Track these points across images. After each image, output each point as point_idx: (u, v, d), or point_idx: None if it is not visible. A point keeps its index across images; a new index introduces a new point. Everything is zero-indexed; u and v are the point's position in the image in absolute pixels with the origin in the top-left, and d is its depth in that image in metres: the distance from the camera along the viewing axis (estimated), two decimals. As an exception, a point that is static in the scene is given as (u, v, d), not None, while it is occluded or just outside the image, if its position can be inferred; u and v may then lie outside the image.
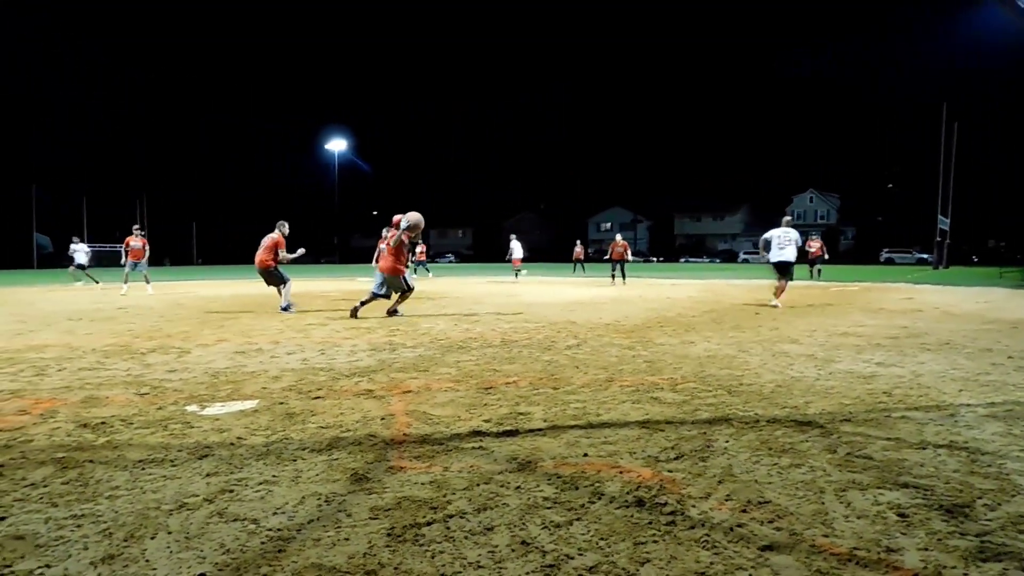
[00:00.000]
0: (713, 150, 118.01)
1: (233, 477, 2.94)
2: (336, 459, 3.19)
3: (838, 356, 6.21)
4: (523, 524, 2.42)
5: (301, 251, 11.44)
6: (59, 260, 55.81)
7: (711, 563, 2.12)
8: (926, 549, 2.22)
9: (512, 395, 4.59)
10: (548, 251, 78.98)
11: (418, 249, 24.08)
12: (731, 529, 2.38)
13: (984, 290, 17.37)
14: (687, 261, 74.20)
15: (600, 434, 3.60)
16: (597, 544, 2.26)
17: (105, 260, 43.10)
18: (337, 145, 68.13)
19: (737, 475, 2.95)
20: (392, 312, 10.15)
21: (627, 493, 2.72)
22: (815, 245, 24.08)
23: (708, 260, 75.29)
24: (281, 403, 4.37)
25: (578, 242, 35.49)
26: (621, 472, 2.99)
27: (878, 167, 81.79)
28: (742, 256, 73.21)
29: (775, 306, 11.65)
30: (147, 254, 16.97)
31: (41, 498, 2.69)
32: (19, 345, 7.11)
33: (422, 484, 2.84)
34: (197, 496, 2.71)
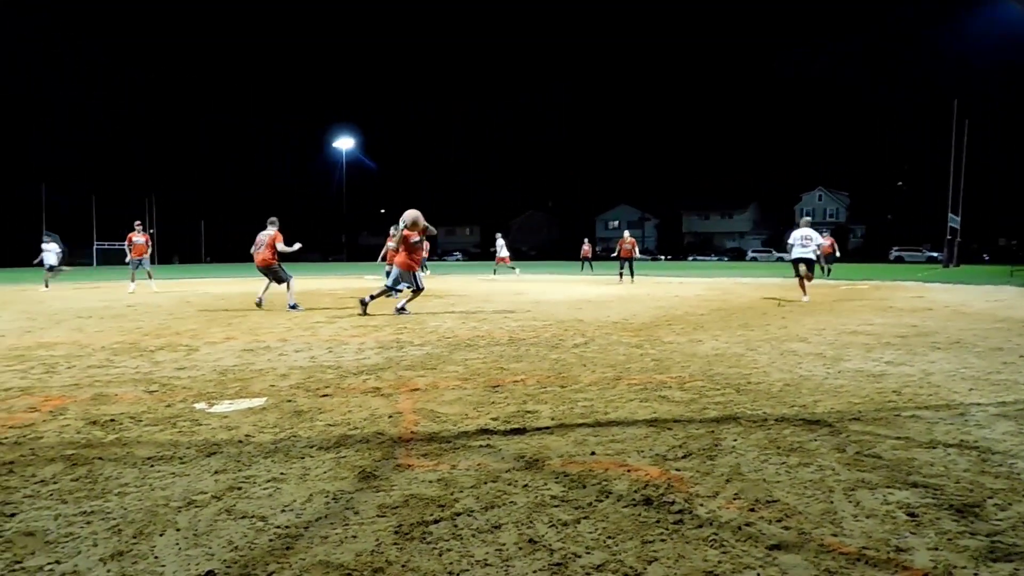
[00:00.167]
0: (722, 148, 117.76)
1: (241, 474, 2.95)
2: (344, 457, 3.19)
3: (847, 355, 6.18)
4: (530, 522, 2.42)
5: (298, 245, 11.45)
6: (69, 258, 56.20)
7: (719, 562, 2.12)
8: (936, 549, 2.21)
9: (520, 393, 4.59)
10: (556, 249, 78.97)
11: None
12: (739, 528, 2.37)
13: (995, 288, 17.25)
14: (695, 259, 73.98)
15: (608, 432, 3.60)
16: (604, 542, 2.26)
17: (113, 258, 43.34)
18: (344, 143, 68.31)
19: (745, 474, 2.93)
20: (400, 310, 10.17)
21: (635, 491, 2.72)
22: (825, 243, 24.02)
23: (716, 258, 75.04)
24: (289, 401, 4.38)
25: (586, 240, 35.42)
26: (629, 470, 2.98)
27: (888, 165, 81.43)
28: (750, 254, 73.00)
29: (804, 300, 12.43)
30: (150, 250, 17.07)
31: (51, 495, 2.70)
32: (29, 343, 7.16)
33: (429, 482, 2.84)
34: (205, 493, 2.72)
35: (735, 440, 3.45)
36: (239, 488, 2.78)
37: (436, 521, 2.44)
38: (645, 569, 2.08)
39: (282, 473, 2.97)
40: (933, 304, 12.14)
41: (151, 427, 3.74)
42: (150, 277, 16.87)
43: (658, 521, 2.43)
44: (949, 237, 40.15)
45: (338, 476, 2.93)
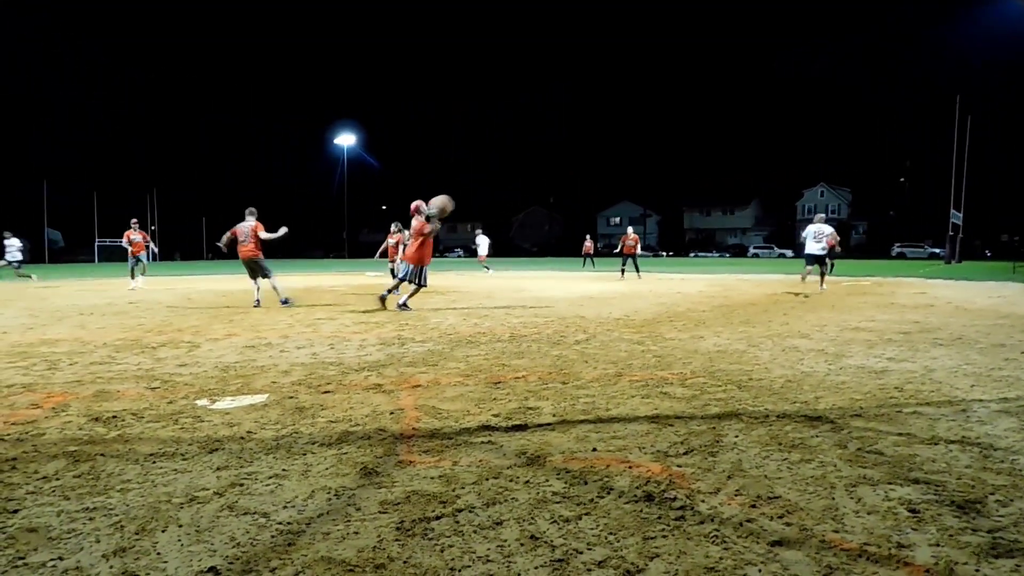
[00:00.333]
0: (723, 145, 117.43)
1: (243, 471, 2.95)
2: (345, 453, 3.20)
3: (849, 351, 6.17)
4: (532, 518, 2.42)
5: (283, 229, 11.31)
6: (71, 255, 56.35)
7: (720, 558, 2.12)
8: (937, 545, 2.21)
9: (521, 390, 4.59)
10: (558, 246, 78.92)
11: None
12: (741, 524, 2.37)
13: (997, 285, 17.22)
14: (696, 256, 73.95)
15: (609, 429, 3.60)
16: (606, 539, 2.26)
17: (116, 256, 43.41)
18: (345, 140, 68.28)
19: (747, 470, 2.94)
20: (403, 306, 10.18)
21: (636, 488, 2.72)
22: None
23: (718, 255, 74.99)
24: (291, 397, 4.38)
25: (588, 236, 35.41)
26: (630, 467, 2.98)
27: (889, 162, 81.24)
28: (752, 251, 72.93)
29: (809, 293, 13.57)
30: (147, 247, 17.18)
31: (53, 491, 2.71)
32: (31, 339, 7.17)
33: (431, 478, 2.85)
34: (207, 490, 2.72)
35: (737, 436, 3.45)
36: (241, 484, 2.78)
37: (438, 517, 2.44)
38: (647, 565, 2.08)
39: (284, 469, 2.97)
40: (935, 300, 12.13)
41: (153, 424, 3.74)
42: (142, 274, 16.98)
43: (659, 517, 2.43)
44: (951, 233, 40.10)
45: (340, 472, 2.93)
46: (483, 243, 26.50)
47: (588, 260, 33.86)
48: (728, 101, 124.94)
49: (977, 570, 2.04)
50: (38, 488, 2.75)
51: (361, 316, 9.56)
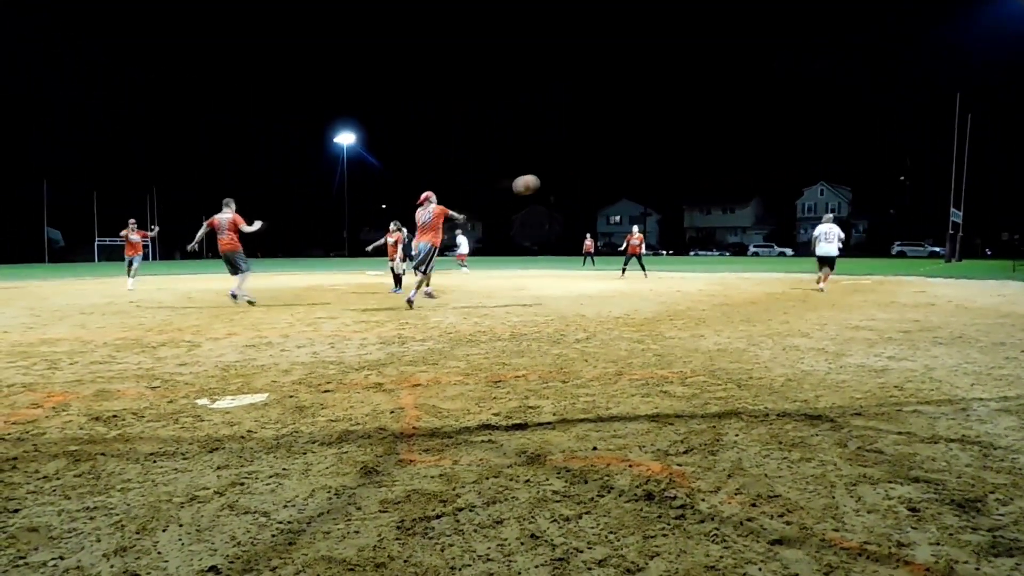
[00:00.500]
0: (723, 143, 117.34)
1: (243, 470, 2.95)
2: (346, 452, 3.20)
3: (849, 350, 6.17)
4: (532, 517, 2.43)
5: (258, 223, 11.21)
6: (71, 254, 56.37)
7: (720, 557, 2.12)
8: (938, 544, 2.21)
9: (521, 389, 4.59)
10: (558, 244, 78.92)
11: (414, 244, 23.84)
12: (741, 523, 2.37)
13: (998, 283, 17.22)
14: (696, 254, 73.96)
15: (609, 428, 3.60)
16: (606, 537, 2.26)
17: (116, 255, 43.45)
18: (346, 139, 68.29)
19: (747, 469, 2.94)
20: (411, 302, 10.19)
21: (636, 487, 2.72)
22: None
23: (718, 253, 74.99)
24: (291, 396, 4.39)
25: (588, 235, 35.41)
26: (630, 466, 2.98)
27: (889, 160, 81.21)
28: (752, 249, 72.91)
29: (821, 290, 13.87)
30: (145, 247, 17.11)
31: (54, 490, 2.71)
32: (32, 339, 7.17)
33: (431, 477, 2.85)
34: (208, 489, 2.72)
35: (737, 435, 3.45)
36: (241, 484, 2.78)
37: (438, 516, 2.44)
38: (647, 564, 2.08)
39: (284, 469, 2.97)
40: (936, 299, 12.13)
41: (154, 423, 3.75)
42: (133, 276, 16.83)
43: (660, 516, 2.43)
44: (951, 232, 40.10)
45: (340, 471, 2.93)
46: (463, 243, 26.62)
47: (588, 259, 33.86)
48: (728, 100, 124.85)
49: (977, 569, 2.05)
50: (39, 487, 2.75)
51: (361, 315, 9.56)
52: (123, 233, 16.63)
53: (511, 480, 2.81)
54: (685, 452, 3.18)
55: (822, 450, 3.20)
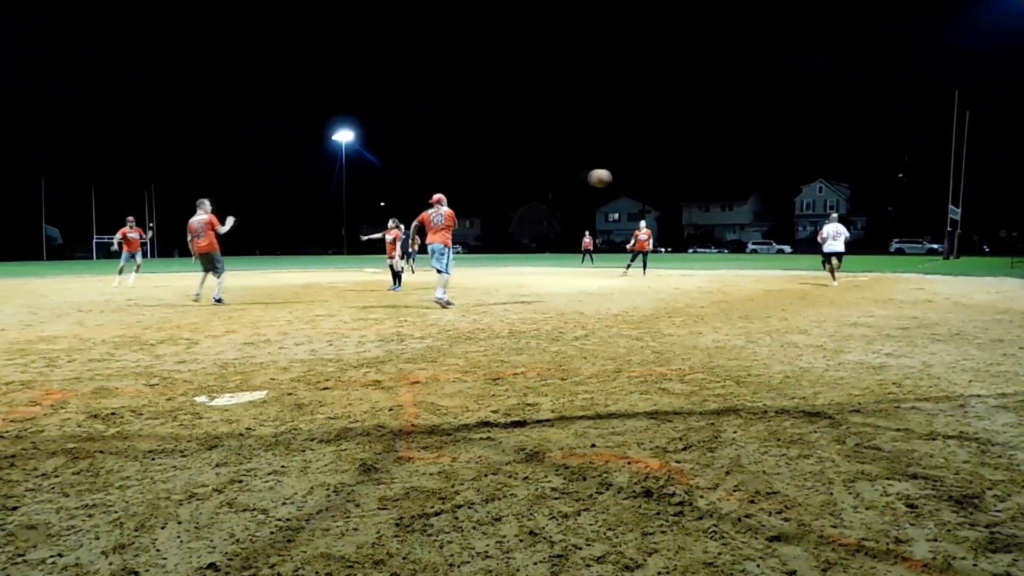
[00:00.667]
0: (722, 141, 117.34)
1: (242, 468, 2.95)
2: (344, 450, 3.20)
3: (848, 347, 6.18)
4: (531, 514, 2.43)
5: (231, 220, 11.08)
6: (69, 251, 56.31)
7: (719, 553, 2.12)
8: (935, 540, 2.21)
9: (520, 386, 4.59)
10: (557, 242, 78.87)
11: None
12: (739, 520, 2.37)
13: (995, 280, 17.24)
14: (695, 251, 73.96)
15: (608, 425, 3.60)
16: (605, 534, 2.26)
17: (114, 253, 43.40)
18: (344, 136, 68.18)
19: (745, 466, 2.94)
20: (441, 300, 10.17)
21: (635, 484, 2.72)
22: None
23: (716, 250, 74.99)
24: (290, 394, 4.38)
25: (587, 233, 35.43)
26: (629, 463, 2.98)
27: (888, 157, 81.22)
28: (750, 247, 72.91)
29: (834, 285, 14.81)
30: (142, 246, 17.16)
31: (53, 488, 2.71)
32: (30, 336, 7.16)
33: (430, 474, 2.85)
34: (207, 486, 2.72)
35: (735, 432, 3.45)
36: (240, 481, 2.78)
37: (437, 513, 2.44)
38: (645, 561, 2.08)
39: (283, 466, 2.97)
40: (934, 296, 12.14)
41: (152, 420, 3.74)
42: (136, 271, 16.85)
43: (658, 513, 2.43)
44: (949, 229, 40.13)
45: (339, 469, 2.93)
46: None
47: (587, 256, 33.87)
48: (727, 99, 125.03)
49: (975, 564, 2.05)
50: (37, 485, 2.75)
51: (360, 312, 9.56)
52: (122, 231, 16.63)
53: (510, 477, 2.81)
54: (684, 449, 3.18)
55: (820, 447, 3.20)
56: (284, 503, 2.55)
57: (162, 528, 2.33)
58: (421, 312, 9.54)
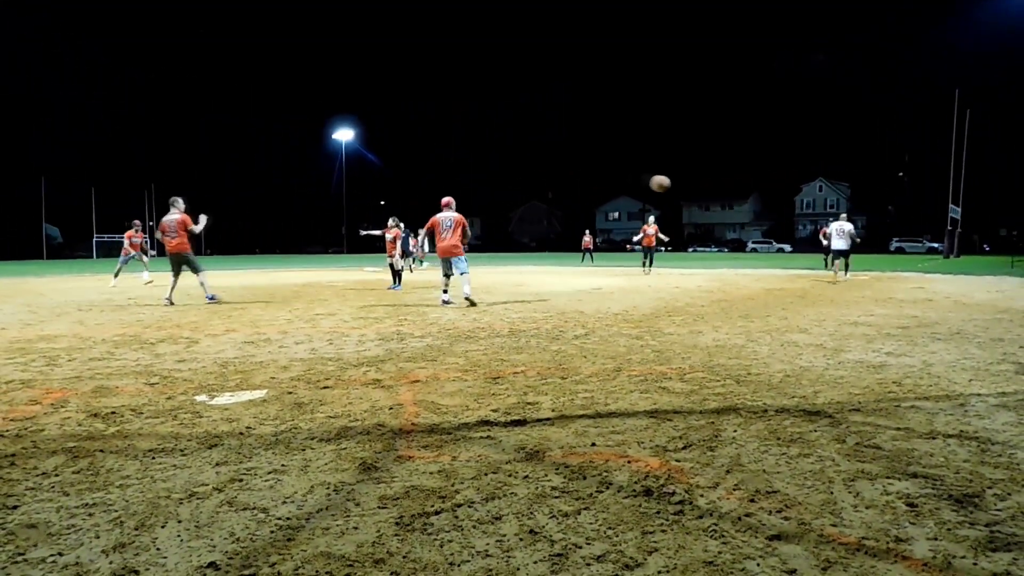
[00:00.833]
0: (722, 140, 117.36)
1: (242, 466, 2.95)
2: (345, 448, 3.20)
3: (848, 346, 6.18)
4: (531, 513, 2.43)
5: (203, 218, 10.99)
6: (69, 251, 56.29)
7: (719, 552, 2.12)
8: (935, 539, 2.21)
9: (520, 385, 4.59)
10: (557, 241, 78.87)
11: (411, 242, 23.58)
12: (739, 519, 2.37)
13: (995, 279, 17.24)
14: (695, 250, 73.92)
15: (608, 424, 3.60)
16: (605, 533, 2.26)
17: (114, 252, 43.44)
18: (344, 135, 68.16)
19: (745, 465, 2.94)
20: (469, 299, 10.20)
21: (635, 483, 2.72)
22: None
23: (716, 249, 74.93)
24: (290, 393, 4.38)
25: (587, 231, 35.40)
26: (629, 462, 2.98)
27: (888, 157, 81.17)
28: (750, 245, 72.85)
29: (837, 281, 15.97)
30: (142, 245, 17.22)
31: (53, 487, 2.71)
32: (30, 335, 7.16)
33: (430, 473, 2.85)
34: (207, 485, 2.72)
35: (735, 431, 3.45)
36: (240, 480, 2.78)
37: (437, 512, 2.44)
38: (645, 559, 2.08)
39: (283, 465, 2.97)
40: (934, 295, 12.14)
41: (152, 419, 3.74)
42: (119, 274, 16.77)
43: (658, 512, 2.43)
44: (949, 228, 40.10)
45: (339, 468, 2.93)
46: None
47: (587, 255, 33.85)
48: (727, 98, 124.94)
49: (975, 563, 2.05)
50: (37, 484, 2.75)
51: (360, 311, 9.56)
52: (128, 235, 16.67)
53: (510, 476, 2.81)
54: (684, 448, 3.18)
55: (820, 446, 3.20)
56: (284, 502, 2.55)
57: (162, 527, 2.33)
58: (421, 311, 9.54)
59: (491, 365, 5.33)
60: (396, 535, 2.26)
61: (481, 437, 3.38)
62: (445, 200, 10.52)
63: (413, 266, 22.22)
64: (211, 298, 11.00)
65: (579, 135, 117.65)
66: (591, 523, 2.34)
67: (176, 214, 10.92)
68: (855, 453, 3.08)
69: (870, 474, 2.81)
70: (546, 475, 2.82)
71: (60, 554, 2.14)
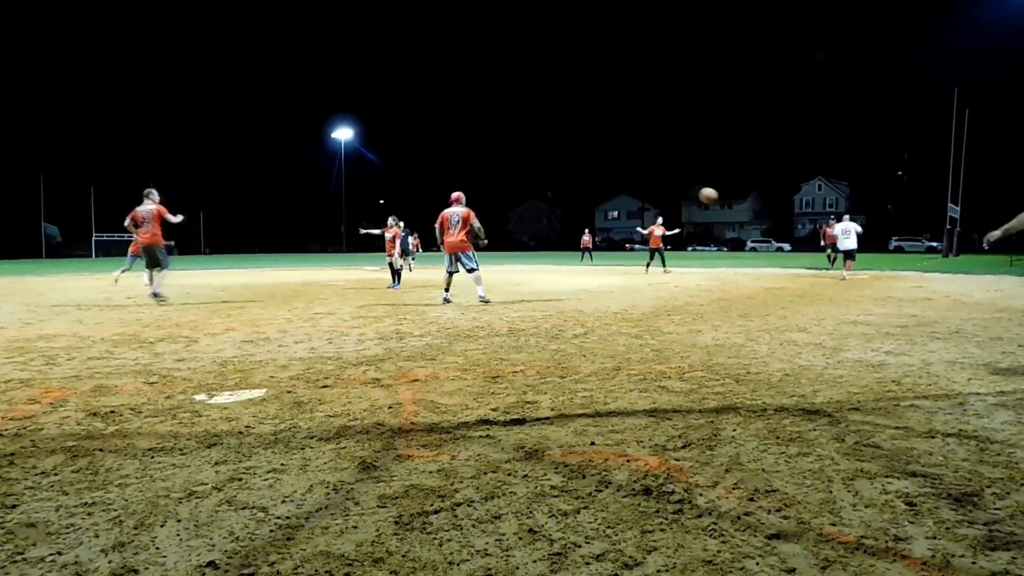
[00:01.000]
0: (721, 139, 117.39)
1: (242, 465, 2.95)
2: (344, 448, 3.20)
3: (847, 345, 6.18)
4: (530, 512, 2.43)
5: (180, 216, 10.91)
6: (69, 250, 56.26)
7: (718, 551, 2.12)
8: (934, 538, 2.22)
9: (519, 384, 4.59)
10: (557, 240, 78.86)
11: (411, 240, 23.57)
12: (738, 518, 2.37)
13: (995, 278, 17.25)
14: (694, 249, 73.94)
15: (607, 423, 3.60)
16: (604, 532, 2.26)
17: (114, 251, 43.44)
18: (344, 135, 68.11)
19: (744, 464, 2.94)
20: (483, 298, 10.25)
21: (634, 482, 2.72)
22: (831, 232, 23.89)
23: (715, 248, 74.98)
24: (289, 392, 4.38)
25: (586, 231, 35.40)
26: (628, 461, 2.99)
27: (887, 156, 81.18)
28: (749, 244, 72.89)
29: (844, 278, 16.27)
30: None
31: (52, 486, 2.71)
32: (29, 334, 7.16)
33: (430, 472, 2.85)
34: (206, 484, 2.72)
35: (734, 430, 3.46)
36: (240, 479, 2.78)
37: (436, 511, 2.44)
38: (645, 559, 2.08)
39: (282, 464, 2.97)
40: (933, 294, 12.14)
41: (151, 418, 3.74)
42: (126, 271, 16.73)
43: (657, 511, 2.43)
44: (949, 227, 40.10)
45: (338, 467, 2.93)
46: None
47: (587, 254, 33.86)
48: (727, 98, 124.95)
49: (974, 563, 2.05)
50: (36, 483, 2.75)
51: (359, 310, 9.55)
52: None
53: (509, 475, 2.81)
54: (683, 447, 3.18)
55: (819, 445, 3.20)
56: (283, 501, 2.55)
57: (161, 526, 2.33)
58: (420, 310, 9.54)
59: (490, 364, 5.33)
60: (395, 534, 2.26)
61: (480, 436, 3.38)
62: (454, 195, 10.51)
63: (412, 265, 22.22)
64: (156, 295, 10.73)
65: (579, 135, 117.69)
66: (590, 522, 2.34)
67: (151, 205, 10.76)
68: (854, 452, 3.08)
69: (869, 473, 2.81)
70: (545, 474, 2.82)
71: (59, 553, 2.14)
